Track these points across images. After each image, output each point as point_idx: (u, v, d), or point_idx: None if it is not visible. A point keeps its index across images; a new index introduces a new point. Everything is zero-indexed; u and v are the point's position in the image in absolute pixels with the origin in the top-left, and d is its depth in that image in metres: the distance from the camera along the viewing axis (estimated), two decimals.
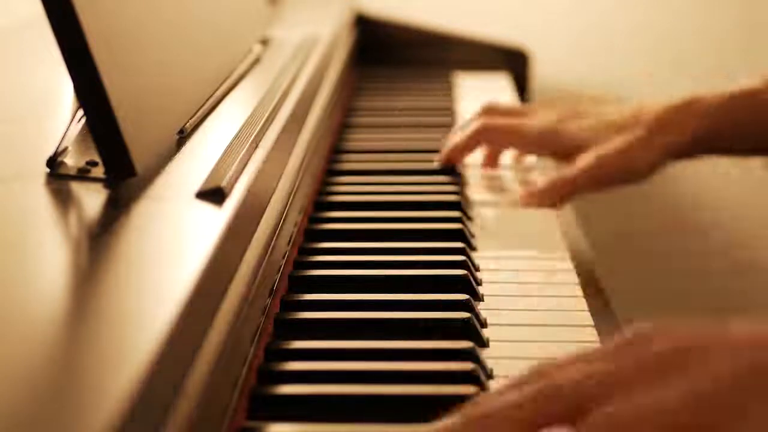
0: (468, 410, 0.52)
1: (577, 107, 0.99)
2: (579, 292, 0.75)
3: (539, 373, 0.52)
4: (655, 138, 0.93)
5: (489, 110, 1.02)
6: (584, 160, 0.93)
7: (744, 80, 0.94)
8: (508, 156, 1.02)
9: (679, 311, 1.58)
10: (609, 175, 0.93)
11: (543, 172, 1.01)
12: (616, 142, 0.93)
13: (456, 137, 1.00)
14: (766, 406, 0.48)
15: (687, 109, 0.93)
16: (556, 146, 0.97)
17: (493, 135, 0.99)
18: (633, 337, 0.51)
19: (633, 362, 0.50)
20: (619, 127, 0.95)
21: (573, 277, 0.78)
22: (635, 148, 0.93)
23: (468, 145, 0.99)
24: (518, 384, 0.52)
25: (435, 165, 1.00)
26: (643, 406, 0.48)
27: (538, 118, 0.99)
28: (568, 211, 0.93)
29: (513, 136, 0.99)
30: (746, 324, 0.51)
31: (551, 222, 0.89)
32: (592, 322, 0.71)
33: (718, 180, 1.60)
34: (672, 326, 0.52)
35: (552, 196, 0.92)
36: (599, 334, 0.69)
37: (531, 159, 1.04)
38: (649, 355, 0.50)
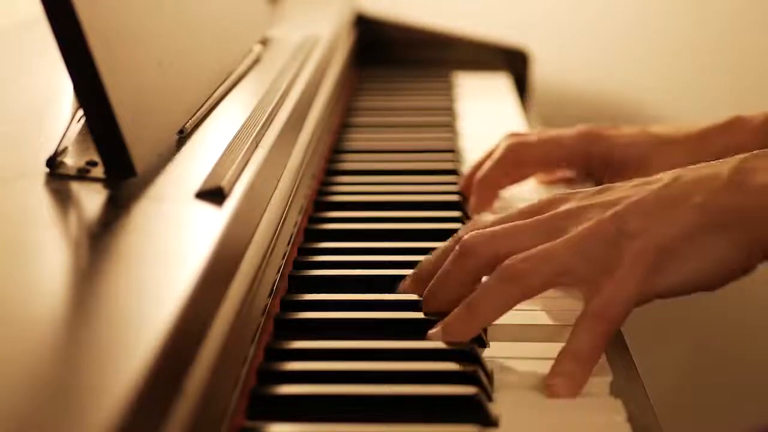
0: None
1: (608, 124, 0.91)
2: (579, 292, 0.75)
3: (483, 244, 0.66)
4: (700, 154, 0.83)
5: (514, 134, 0.92)
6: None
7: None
8: None
9: (677, 312, 1.58)
10: None
11: None
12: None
13: (484, 166, 0.90)
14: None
15: (733, 125, 0.87)
16: (601, 151, 0.88)
17: (525, 150, 0.89)
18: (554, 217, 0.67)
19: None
20: (664, 141, 0.87)
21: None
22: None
23: (501, 169, 0.88)
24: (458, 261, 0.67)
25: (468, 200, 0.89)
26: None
27: (571, 129, 0.90)
28: None
29: (547, 145, 0.89)
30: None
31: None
32: None
33: None
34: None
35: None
36: None
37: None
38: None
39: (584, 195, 0.68)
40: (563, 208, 0.67)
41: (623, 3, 1.68)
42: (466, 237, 0.67)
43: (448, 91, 1.32)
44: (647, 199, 0.65)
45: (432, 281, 0.68)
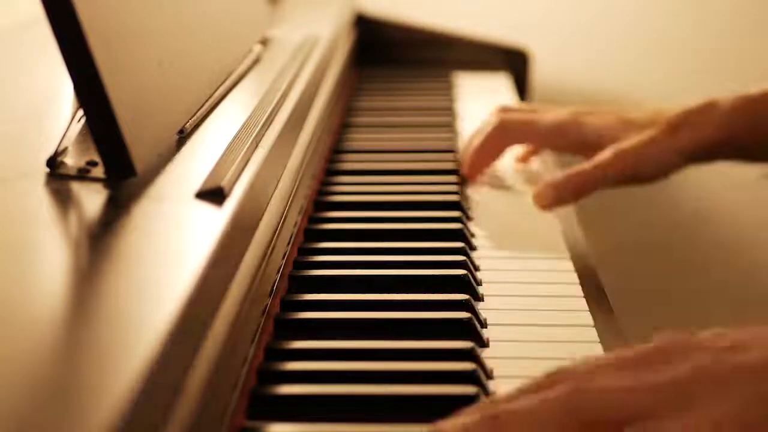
0: (482, 409, 0.53)
1: (590, 108, 0.99)
2: (579, 292, 0.76)
3: (559, 377, 0.53)
4: (670, 140, 0.92)
5: (503, 109, 1.01)
6: (601, 156, 0.92)
7: (761, 84, 0.93)
8: (509, 157, 1.02)
9: (678, 310, 1.58)
10: (623, 174, 0.91)
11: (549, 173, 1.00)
12: (634, 141, 0.92)
13: (475, 141, 0.98)
14: None
15: (704, 111, 0.92)
16: (576, 138, 0.96)
17: (511, 129, 0.98)
18: (654, 351, 0.54)
19: (660, 382, 0.52)
20: (637, 126, 0.94)
21: (573, 277, 0.78)
22: (650, 149, 0.92)
23: (490, 146, 0.97)
24: (536, 388, 0.53)
25: (464, 175, 0.98)
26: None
27: (554, 113, 0.98)
28: (568, 214, 0.93)
29: (531, 127, 0.98)
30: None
31: (552, 222, 0.89)
32: (592, 322, 0.71)
33: (718, 184, 1.60)
34: (689, 343, 0.53)
35: (568, 192, 0.91)
36: (599, 334, 0.69)
37: (536, 165, 1.03)
38: (669, 377, 0.52)
39: (717, 349, 0.54)
40: (696, 363, 0.53)
41: (623, 3, 1.68)
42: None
43: (448, 91, 1.32)
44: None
45: None
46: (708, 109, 0.92)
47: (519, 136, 0.99)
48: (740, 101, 0.92)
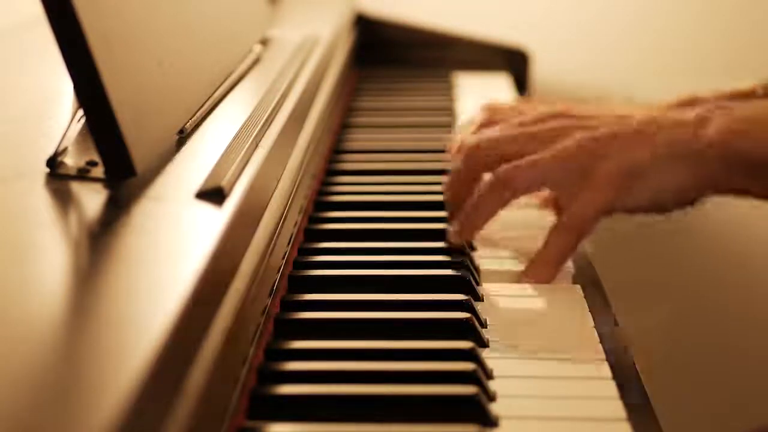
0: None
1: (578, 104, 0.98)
2: (579, 290, 0.76)
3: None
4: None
5: (489, 108, 0.92)
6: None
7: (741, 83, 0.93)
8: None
9: (676, 305, 1.58)
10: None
11: None
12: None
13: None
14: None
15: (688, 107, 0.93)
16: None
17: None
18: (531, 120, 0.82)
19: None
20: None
21: (572, 276, 0.78)
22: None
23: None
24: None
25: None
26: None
27: (542, 108, 0.91)
28: None
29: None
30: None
31: (550, 220, 0.89)
32: (591, 322, 0.71)
33: None
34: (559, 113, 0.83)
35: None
36: (598, 331, 0.69)
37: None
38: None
39: (578, 117, 0.82)
40: (557, 124, 0.81)
41: (623, 3, 1.68)
42: (472, 142, 0.82)
43: (448, 91, 1.32)
44: (625, 130, 0.78)
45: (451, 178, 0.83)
46: (693, 104, 0.90)
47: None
48: (721, 99, 0.92)
